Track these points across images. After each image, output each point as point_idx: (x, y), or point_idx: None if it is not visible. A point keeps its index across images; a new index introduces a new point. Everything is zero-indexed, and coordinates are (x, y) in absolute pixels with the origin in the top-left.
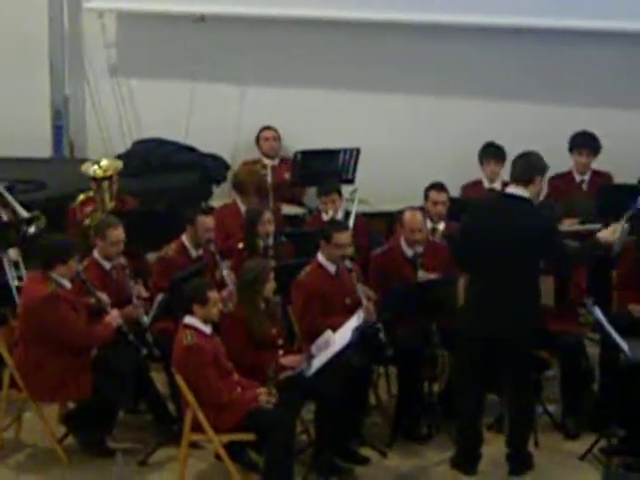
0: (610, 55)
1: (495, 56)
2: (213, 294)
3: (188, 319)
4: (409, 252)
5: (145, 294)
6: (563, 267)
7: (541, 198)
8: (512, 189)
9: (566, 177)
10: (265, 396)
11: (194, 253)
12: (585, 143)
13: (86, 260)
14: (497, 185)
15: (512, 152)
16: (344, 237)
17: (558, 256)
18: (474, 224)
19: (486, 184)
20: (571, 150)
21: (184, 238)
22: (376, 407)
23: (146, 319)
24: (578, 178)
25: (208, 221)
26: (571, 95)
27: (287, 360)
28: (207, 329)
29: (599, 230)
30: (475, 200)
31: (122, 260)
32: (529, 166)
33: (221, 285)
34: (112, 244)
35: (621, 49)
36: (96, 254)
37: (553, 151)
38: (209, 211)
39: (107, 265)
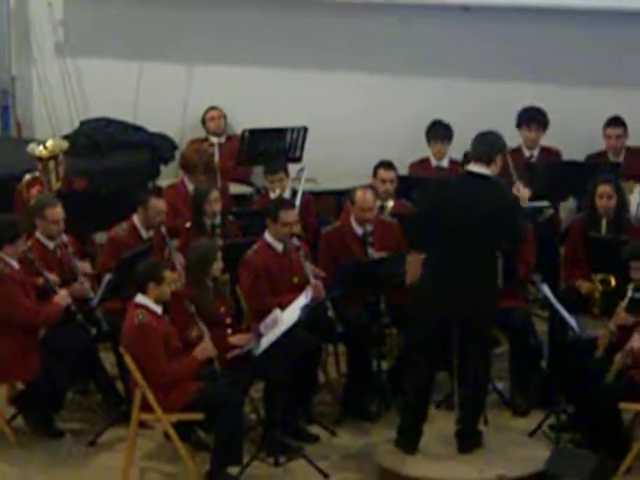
0: (558, 32)
1: (443, 34)
2: (169, 273)
3: (140, 298)
4: (359, 230)
5: (90, 270)
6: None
7: None
8: (474, 167)
9: (515, 153)
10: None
11: (145, 234)
12: (533, 118)
13: (30, 240)
14: (445, 163)
15: (460, 130)
16: (291, 215)
17: (519, 236)
18: (435, 202)
19: (434, 162)
20: (519, 126)
21: (135, 219)
22: (325, 385)
23: (93, 295)
24: (527, 153)
25: (160, 203)
26: (519, 72)
27: (235, 339)
28: (158, 309)
29: (547, 207)
30: (436, 178)
31: (64, 238)
32: (491, 145)
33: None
34: (52, 222)
35: (568, 26)
36: (38, 234)
37: (501, 128)
38: (161, 193)
39: (50, 244)
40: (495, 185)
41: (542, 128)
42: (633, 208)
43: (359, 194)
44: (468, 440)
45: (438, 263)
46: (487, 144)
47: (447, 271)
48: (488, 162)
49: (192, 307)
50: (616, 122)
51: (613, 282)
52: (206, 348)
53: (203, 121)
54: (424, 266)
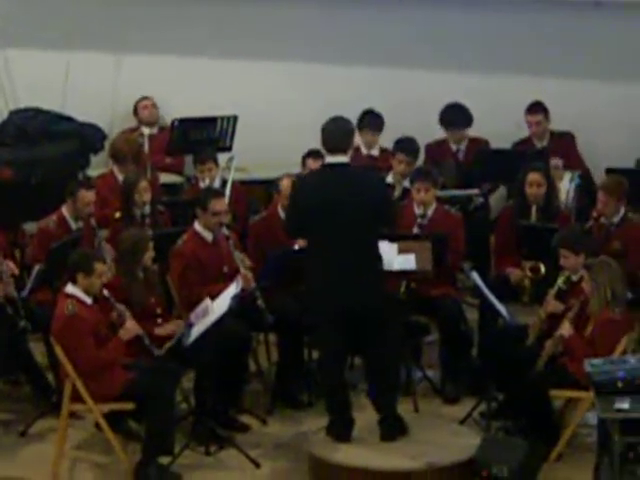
0: (481, 21)
1: (372, 23)
2: (99, 266)
3: (69, 288)
4: None
5: (15, 271)
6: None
7: (419, 164)
8: (332, 159)
9: (442, 145)
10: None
11: (74, 225)
12: (456, 119)
13: None
14: (375, 152)
15: (392, 119)
16: (220, 205)
17: (391, 219)
18: (305, 197)
19: (364, 151)
20: (442, 125)
21: (64, 210)
22: (256, 374)
23: (16, 294)
24: (454, 147)
25: (89, 195)
26: (452, 61)
27: (162, 330)
28: (88, 299)
29: (477, 195)
30: (304, 174)
31: None
32: (343, 133)
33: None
34: None
35: (490, 15)
36: None
37: (431, 117)
38: (90, 185)
39: None
40: (359, 172)
41: (465, 127)
42: (563, 195)
43: (285, 183)
44: (390, 427)
45: (320, 256)
46: (340, 132)
47: (329, 263)
48: (344, 150)
49: (105, 290)
50: (536, 108)
51: (543, 270)
52: (130, 328)
53: (135, 110)
54: (307, 260)
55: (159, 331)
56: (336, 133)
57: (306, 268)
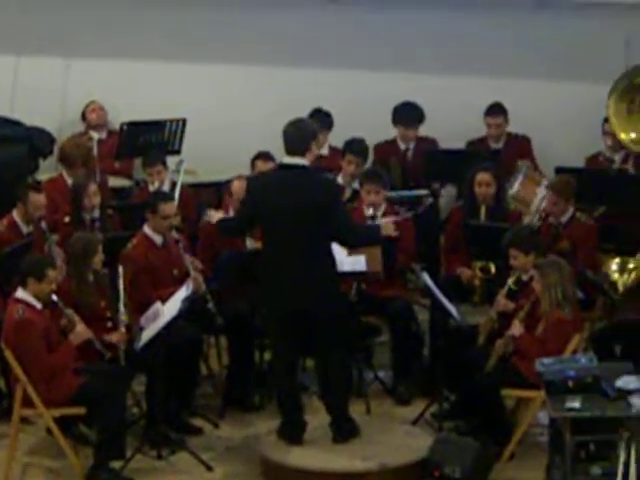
0: (433, 22)
1: (326, 23)
2: (51, 273)
3: (20, 293)
4: None
5: None
6: (346, 240)
7: (368, 165)
8: (290, 159)
9: (391, 145)
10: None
11: (25, 229)
12: (409, 117)
13: None
14: (325, 151)
15: (343, 120)
16: (169, 208)
17: (340, 226)
18: (259, 198)
19: (314, 150)
20: (395, 123)
21: (15, 214)
22: (207, 377)
23: None
24: (403, 146)
25: (39, 199)
26: (404, 62)
27: (111, 337)
28: (38, 304)
29: (427, 195)
30: (257, 174)
31: None
32: (303, 135)
33: None
34: None
35: (443, 15)
36: None
37: (379, 118)
38: (40, 188)
39: None
40: (314, 174)
41: (417, 125)
42: (537, 200)
43: (236, 184)
44: (341, 429)
45: (272, 257)
46: (298, 134)
47: (281, 265)
48: (303, 152)
49: (54, 296)
50: (496, 110)
51: (493, 270)
52: (80, 332)
53: (83, 115)
54: (261, 262)
55: (109, 338)
56: (295, 135)
57: (258, 270)
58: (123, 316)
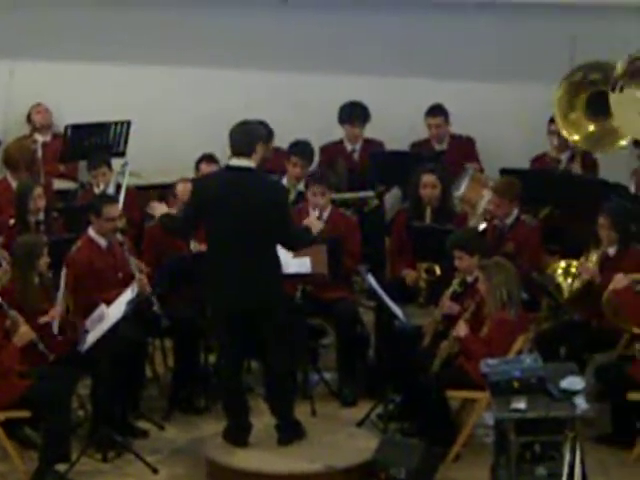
0: (376, 23)
1: (270, 26)
2: None
3: None
4: None
5: None
6: (287, 243)
7: (313, 167)
8: (235, 161)
9: (337, 146)
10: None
11: None
12: (355, 114)
13: None
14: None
15: (287, 122)
16: (113, 210)
17: (283, 229)
18: (202, 199)
19: (261, 153)
20: (341, 122)
21: None
22: (152, 380)
23: None
24: (349, 147)
25: None
26: (348, 64)
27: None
28: None
29: (372, 197)
30: (203, 176)
31: None
32: (249, 136)
33: None
34: None
35: (385, 16)
36: None
37: (325, 120)
38: None
39: None
40: (260, 176)
41: (364, 123)
42: (483, 204)
43: (180, 187)
44: (286, 431)
45: (217, 259)
46: (245, 136)
47: (226, 266)
48: (249, 154)
49: None
50: (436, 111)
51: (438, 271)
52: (24, 333)
53: (28, 117)
54: (207, 264)
55: (42, 320)
56: (241, 137)
57: (203, 272)
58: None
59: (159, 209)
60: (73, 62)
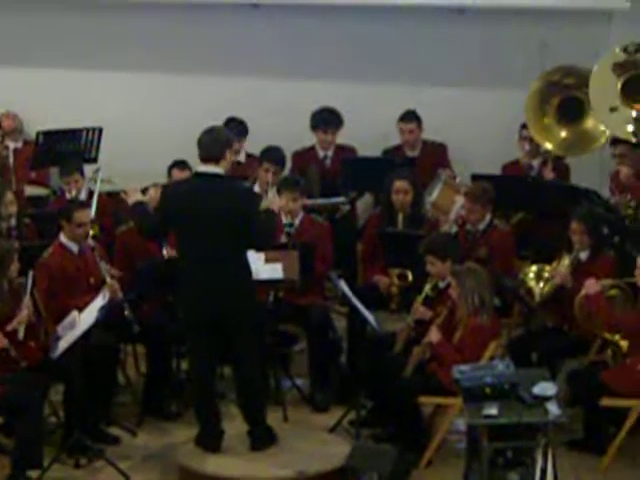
0: (348, 29)
1: (235, 31)
2: None
3: None
4: None
5: None
6: (262, 245)
7: (286, 173)
8: (204, 167)
9: (309, 152)
10: None
11: None
12: (327, 120)
13: None
14: (241, 158)
15: (256, 126)
16: (84, 216)
17: (257, 233)
18: (173, 205)
19: (230, 159)
20: (314, 128)
21: None
22: (125, 386)
23: None
24: (321, 154)
25: None
26: (321, 69)
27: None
28: None
29: (344, 203)
30: (172, 182)
31: None
32: (217, 143)
33: None
34: None
35: (358, 22)
36: None
37: (296, 125)
38: None
39: None
40: (228, 182)
41: (336, 129)
42: (455, 209)
43: (151, 193)
44: (259, 437)
45: (188, 266)
46: (212, 142)
47: (197, 273)
48: (217, 160)
49: None
50: (409, 117)
51: (410, 277)
52: None
53: None
54: (178, 270)
55: (10, 327)
56: (209, 143)
57: (176, 278)
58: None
59: (134, 196)
60: (42, 68)
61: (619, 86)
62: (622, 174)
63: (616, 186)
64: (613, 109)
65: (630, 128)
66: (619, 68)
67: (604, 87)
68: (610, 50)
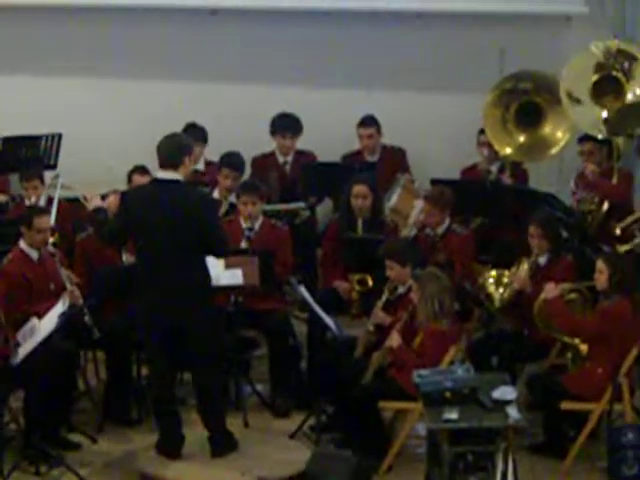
0: (304, 34)
1: (191, 37)
2: None
3: None
4: None
5: None
6: (220, 253)
7: (245, 178)
8: (163, 174)
9: (269, 158)
10: None
11: None
12: (287, 126)
13: None
14: (201, 166)
15: (217, 133)
16: (44, 222)
17: (214, 240)
18: (132, 211)
19: (189, 165)
20: (273, 133)
21: None
22: (85, 392)
23: None
24: (281, 159)
25: None
26: (280, 75)
27: None
28: None
29: (304, 208)
30: (131, 188)
31: None
32: (176, 149)
33: None
34: None
35: (313, 27)
36: None
37: (254, 131)
38: None
39: None
40: (186, 189)
41: (295, 134)
42: (415, 214)
43: (111, 200)
44: (219, 444)
45: (146, 272)
46: (171, 148)
47: (155, 279)
48: (176, 166)
49: None
50: (368, 122)
51: (370, 282)
52: None
53: None
54: (137, 276)
55: None
56: (168, 149)
57: (134, 284)
58: None
59: (94, 202)
60: (2, 75)
61: (591, 82)
62: (588, 170)
63: (582, 183)
64: (577, 101)
65: (598, 125)
66: (597, 66)
67: (576, 80)
68: (594, 46)
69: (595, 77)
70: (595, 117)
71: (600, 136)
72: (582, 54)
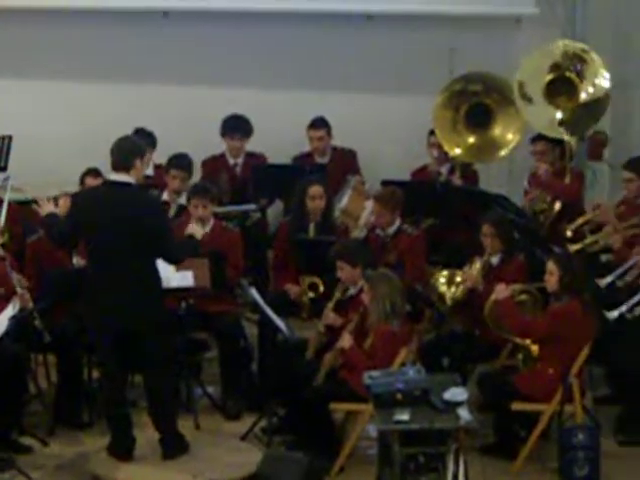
0: (256, 35)
1: (143, 40)
2: None
3: None
4: None
5: None
6: (169, 257)
7: (195, 180)
8: (115, 176)
9: (219, 160)
10: None
11: None
12: (236, 127)
13: None
14: (150, 171)
15: (167, 136)
16: None
17: (162, 243)
18: (82, 213)
19: (141, 168)
20: (223, 135)
21: None
22: (35, 395)
23: None
24: (231, 161)
25: None
26: (230, 77)
27: None
28: None
29: (255, 210)
30: (82, 190)
31: None
32: (128, 152)
33: None
34: None
35: (266, 29)
36: None
37: (207, 133)
38: None
39: None
40: (136, 191)
41: (246, 136)
42: (365, 215)
43: (61, 202)
44: (170, 446)
45: (96, 275)
46: (124, 151)
47: (104, 281)
48: (127, 169)
49: None
50: (318, 123)
51: (321, 287)
52: None
53: None
54: (86, 278)
55: None
56: (120, 151)
57: (85, 287)
58: None
59: (46, 207)
60: None
61: (545, 81)
62: (541, 170)
63: (534, 182)
64: (530, 100)
65: (553, 125)
66: (553, 66)
67: (530, 79)
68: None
69: (549, 77)
70: (549, 117)
71: (561, 137)
72: (537, 53)
